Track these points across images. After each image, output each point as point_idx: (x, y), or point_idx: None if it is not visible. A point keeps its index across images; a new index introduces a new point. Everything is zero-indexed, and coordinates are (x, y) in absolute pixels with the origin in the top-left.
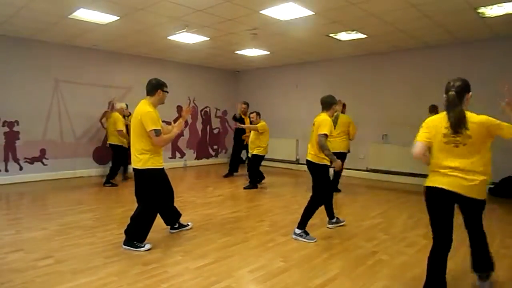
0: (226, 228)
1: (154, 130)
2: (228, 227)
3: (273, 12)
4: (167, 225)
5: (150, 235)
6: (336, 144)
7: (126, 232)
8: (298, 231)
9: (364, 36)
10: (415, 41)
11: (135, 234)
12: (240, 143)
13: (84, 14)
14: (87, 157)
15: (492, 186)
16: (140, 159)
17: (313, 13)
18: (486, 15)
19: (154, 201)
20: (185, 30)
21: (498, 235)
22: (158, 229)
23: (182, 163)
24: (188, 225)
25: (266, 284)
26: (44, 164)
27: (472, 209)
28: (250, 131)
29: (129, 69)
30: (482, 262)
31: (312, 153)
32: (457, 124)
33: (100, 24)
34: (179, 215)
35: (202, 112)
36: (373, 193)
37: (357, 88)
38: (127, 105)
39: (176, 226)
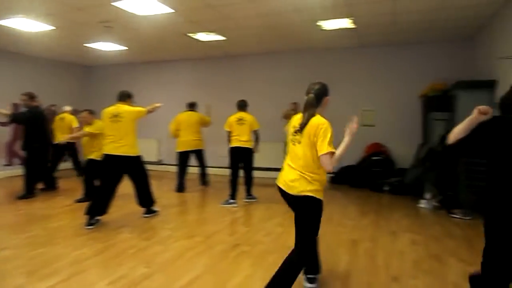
0: (78, 241)
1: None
2: (81, 239)
3: (127, 5)
4: None
5: None
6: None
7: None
8: None
9: (223, 38)
10: (266, 46)
11: None
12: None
13: None
14: None
15: (333, 175)
16: None
17: (173, 10)
18: (324, 28)
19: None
20: (21, 15)
21: (336, 216)
22: None
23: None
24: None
25: None
26: None
27: None
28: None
29: None
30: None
31: None
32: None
33: None
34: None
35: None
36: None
37: (217, 89)
38: None
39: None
